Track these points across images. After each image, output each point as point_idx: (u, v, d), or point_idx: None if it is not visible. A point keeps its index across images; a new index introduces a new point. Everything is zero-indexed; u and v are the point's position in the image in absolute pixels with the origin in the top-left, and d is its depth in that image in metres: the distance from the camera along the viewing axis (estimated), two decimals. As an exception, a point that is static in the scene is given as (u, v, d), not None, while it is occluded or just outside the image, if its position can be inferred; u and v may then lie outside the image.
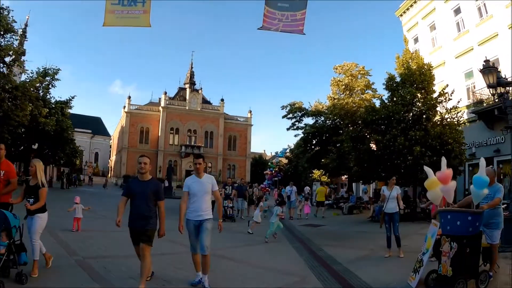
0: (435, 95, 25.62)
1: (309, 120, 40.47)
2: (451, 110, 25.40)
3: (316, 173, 61.30)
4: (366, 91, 37.58)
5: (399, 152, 23.39)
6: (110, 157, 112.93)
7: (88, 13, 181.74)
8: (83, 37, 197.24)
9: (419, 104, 25.03)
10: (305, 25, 11.57)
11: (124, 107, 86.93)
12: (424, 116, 24.83)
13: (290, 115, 39.94)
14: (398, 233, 13.09)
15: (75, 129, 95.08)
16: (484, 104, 28.42)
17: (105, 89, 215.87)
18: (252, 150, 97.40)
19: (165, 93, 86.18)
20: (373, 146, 26.36)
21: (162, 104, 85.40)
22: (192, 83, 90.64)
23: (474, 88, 30.68)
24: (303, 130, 39.29)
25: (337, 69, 38.77)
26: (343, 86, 36.94)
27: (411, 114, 25.43)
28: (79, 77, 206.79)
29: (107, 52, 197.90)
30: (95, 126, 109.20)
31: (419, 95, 25.21)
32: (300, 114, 39.93)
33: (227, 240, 15.07)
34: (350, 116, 34.29)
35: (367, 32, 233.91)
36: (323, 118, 38.59)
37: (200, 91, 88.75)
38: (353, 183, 39.64)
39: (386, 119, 25.18)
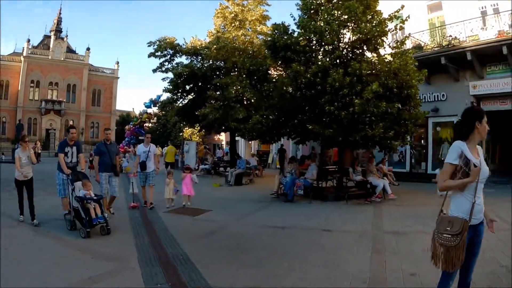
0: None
1: (183, 60, 26.99)
2: (404, 41, 15.16)
3: (187, 131, 48.67)
4: (261, 26, 25.60)
5: (334, 93, 12.83)
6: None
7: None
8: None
9: (364, 25, 13.75)
10: None
11: (-15, 57, 67.02)
12: (373, 42, 13.97)
13: (159, 53, 26.44)
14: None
15: None
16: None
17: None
18: (120, 108, 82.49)
19: (28, 40, 67.20)
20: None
21: (24, 53, 66.65)
22: (58, 30, 71.89)
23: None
24: (173, 70, 25.51)
25: (225, -5, 26.26)
26: (232, 15, 24.80)
27: (349, 38, 14.48)
28: None
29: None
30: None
31: (363, 17, 14.18)
32: (171, 52, 26.14)
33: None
34: (240, 53, 22.93)
35: None
36: (200, 58, 25.91)
37: (65, 39, 71.15)
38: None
39: (309, 45, 14.48)
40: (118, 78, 76.66)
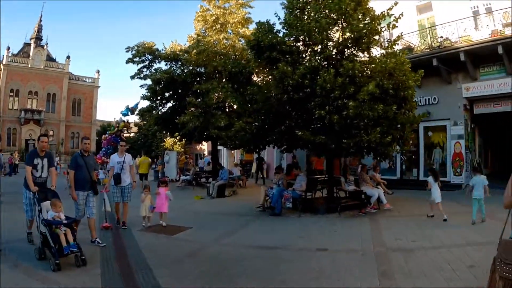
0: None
1: (162, 66, 24.98)
2: (397, 40, 13.70)
3: (168, 141, 46.82)
4: (243, 29, 24.07)
5: (325, 95, 11.54)
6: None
7: None
8: None
9: (356, 22, 12.39)
10: None
11: (-37, 66, 64.15)
12: (363, 41, 12.66)
13: (137, 59, 24.14)
14: None
15: None
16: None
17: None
18: (101, 118, 78.60)
19: (8, 48, 64.59)
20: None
21: (4, 61, 63.69)
22: (38, 38, 69.45)
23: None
24: (151, 76, 23.72)
25: (207, -2, 24.73)
26: (213, 18, 23.25)
27: (339, 37, 13.16)
28: None
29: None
30: None
31: (354, 14, 12.75)
32: (150, 58, 24.42)
33: None
34: (221, 57, 21.61)
35: None
36: (180, 64, 23.98)
37: (45, 47, 68.71)
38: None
39: (296, 45, 13.30)
40: (99, 87, 74.43)
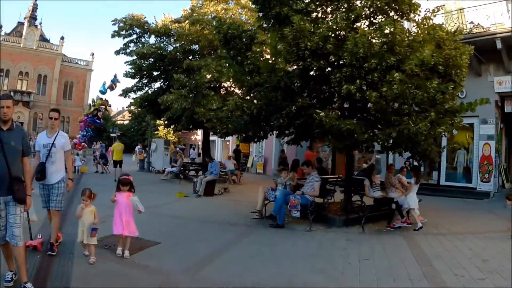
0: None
1: (151, 41, 21.36)
2: (439, 9, 10.11)
3: (162, 130, 43.04)
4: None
5: (357, 66, 8.02)
6: None
7: None
8: None
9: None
10: None
11: (-45, 45, 59.33)
12: (404, 4, 9.22)
13: (124, 32, 20.51)
14: None
15: None
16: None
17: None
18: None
19: (0, 26, 59.88)
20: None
21: None
22: (33, 17, 64.41)
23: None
24: (137, 49, 20.05)
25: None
26: (212, -13, 19.81)
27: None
28: None
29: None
30: None
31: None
32: (138, 32, 20.80)
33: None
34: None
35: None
36: (172, 40, 20.59)
37: (39, 27, 63.94)
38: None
39: (314, 2, 9.69)
40: (92, 70, 69.83)
